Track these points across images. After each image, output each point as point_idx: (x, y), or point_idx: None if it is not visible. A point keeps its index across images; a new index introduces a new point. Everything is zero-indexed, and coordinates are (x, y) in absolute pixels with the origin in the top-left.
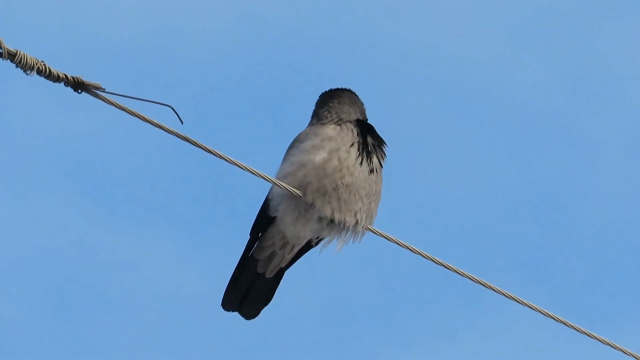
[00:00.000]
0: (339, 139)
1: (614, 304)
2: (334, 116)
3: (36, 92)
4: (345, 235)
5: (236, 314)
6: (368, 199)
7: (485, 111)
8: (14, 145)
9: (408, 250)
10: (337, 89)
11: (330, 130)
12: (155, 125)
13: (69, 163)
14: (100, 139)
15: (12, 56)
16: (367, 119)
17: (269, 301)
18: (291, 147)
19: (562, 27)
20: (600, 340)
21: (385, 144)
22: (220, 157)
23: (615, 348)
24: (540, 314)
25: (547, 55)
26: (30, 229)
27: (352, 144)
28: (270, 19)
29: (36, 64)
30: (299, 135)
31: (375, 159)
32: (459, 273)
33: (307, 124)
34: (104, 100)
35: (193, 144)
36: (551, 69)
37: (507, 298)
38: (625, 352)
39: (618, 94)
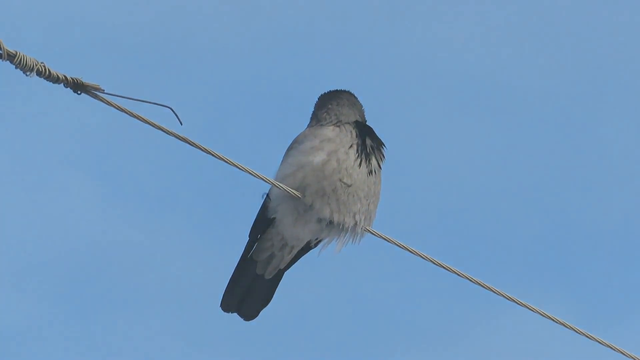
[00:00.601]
0: (337, 141)
1: (613, 305)
2: (333, 118)
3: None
4: (344, 236)
5: (235, 314)
6: (367, 200)
7: (486, 110)
8: (15, 146)
9: (407, 252)
10: (337, 91)
11: (329, 131)
12: (154, 127)
13: (68, 163)
14: (100, 139)
15: (11, 57)
16: (366, 121)
17: (268, 302)
18: (290, 148)
19: (564, 22)
20: (599, 342)
21: (384, 145)
22: (220, 158)
23: (614, 350)
24: (539, 315)
25: (547, 55)
26: (29, 227)
27: (351, 146)
28: (270, 19)
29: (36, 65)
30: (298, 136)
31: (374, 161)
32: (458, 274)
33: (306, 125)
34: (103, 102)
35: (192, 145)
36: (552, 68)
37: (506, 299)
38: (624, 354)
39: (626, 92)
